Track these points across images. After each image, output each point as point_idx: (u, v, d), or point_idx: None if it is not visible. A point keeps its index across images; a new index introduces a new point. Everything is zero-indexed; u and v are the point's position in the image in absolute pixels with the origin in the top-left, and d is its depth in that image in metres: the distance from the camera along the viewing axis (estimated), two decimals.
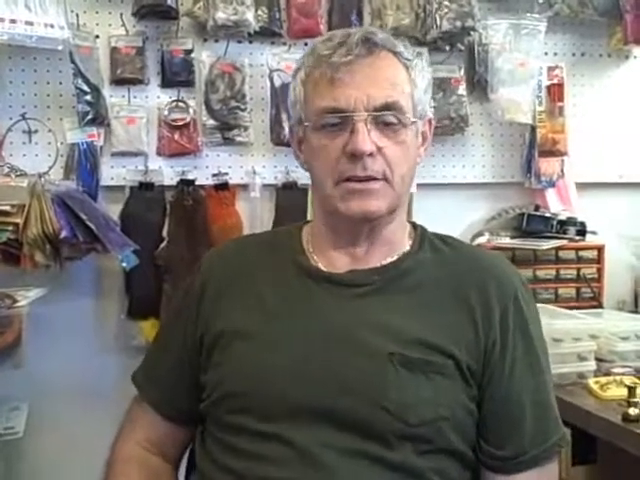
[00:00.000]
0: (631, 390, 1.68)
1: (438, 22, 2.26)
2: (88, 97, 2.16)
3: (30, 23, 1.94)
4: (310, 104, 1.25)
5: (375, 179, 1.22)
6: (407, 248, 1.33)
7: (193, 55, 2.27)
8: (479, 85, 2.46)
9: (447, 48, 2.40)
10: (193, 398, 1.31)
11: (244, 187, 2.35)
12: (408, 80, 1.26)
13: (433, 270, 1.30)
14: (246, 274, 1.34)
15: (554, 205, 2.53)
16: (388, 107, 1.22)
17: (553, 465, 1.28)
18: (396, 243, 1.32)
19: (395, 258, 1.31)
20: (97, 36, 2.22)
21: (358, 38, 1.23)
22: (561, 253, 2.45)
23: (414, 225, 1.38)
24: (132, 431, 1.38)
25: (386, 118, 1.22)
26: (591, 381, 1.87)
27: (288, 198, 2.30)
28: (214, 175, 2.32)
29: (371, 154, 1.20)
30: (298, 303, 1.28)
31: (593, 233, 2.50)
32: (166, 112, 2.27)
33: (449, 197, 2.51)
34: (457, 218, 2.50)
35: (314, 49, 1.27)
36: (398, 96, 1.23)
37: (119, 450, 1.36)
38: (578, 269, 2.46)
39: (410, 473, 1.17)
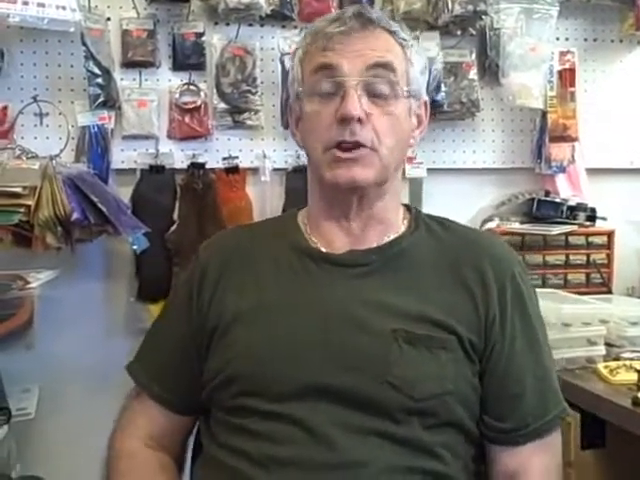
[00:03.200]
0: None
1: (450, 6, 2.24)
2: (99, 80, 2.17)
3: (42, 5, 1.95)
4: (306, 74, 1.28)
5: (362, 146, 1.23)
6: (403, 229, 1.34)
7: (204, 38, 2.27)
8: (490, 70, 2.45)
9: (458, 32, 2.39)
10: (198, 387, 1.31)
11: (254, 171, 2.35)
12: (403, 57, 1.28)
13: (429, 250, 1.32)
14: (244, 260, 1.35)
15: (564, 191, 2.53)
16: (380, 65, 1.24)
17: (555, 436, 1.30)
18: (391, 223, 1.34)
19: (392, 238, 1.32)
20: (108, 19, 2.22)
21: (352, 12, 1.26)
22: (571, 238, 2.45)
23: (408, 207, 1.40)
24: (132, 427, 1.36)
25: (377, 86, 1.24)
26: (600, 366, 1.87)
27: (298, 182, 2.28)
28: (224, 158, 2.32)
29: (360, 120, 1.22)
30: (298, 284, 1.29)
31: (603, 219, 2.50)
32: (177, 95, 2.27)
33: (459, 182, 2.50)
34: (467, 203, 2.50)
35: (311, 30, 1.30)
36: (392, 59, 1.25)
37: (120, 446, 1.35)
38: (588, 255, 2.45)
39: (418, 447, 1.19)
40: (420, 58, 1.32)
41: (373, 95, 1.24)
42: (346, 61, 1.23)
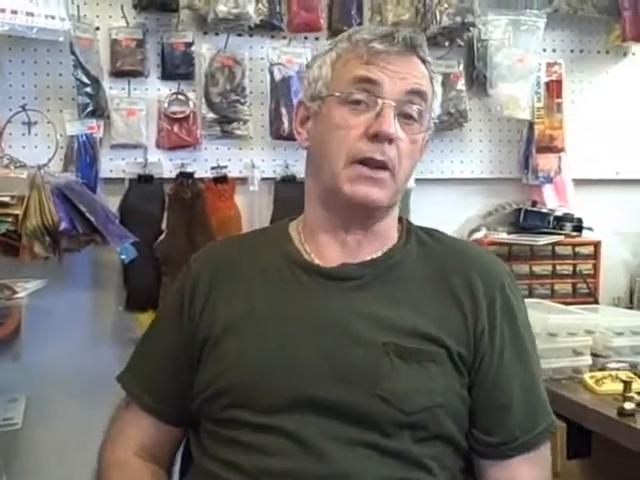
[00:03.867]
0: (626, 385, 1.69)
1: (438, 17, 2.26)
2: (88, 89, 2.17)
3: (31, 14, 1.94)
4: (339, 78, 1.27)
5: (386, 168, 1.23)
6: (394, 241, 1.35)
7: (193, 48, 2.28)
8: (478, 81, 2.47)
9: (446, 44, 2.40)
10: (189, 398, 1.31)
11: (243, 180, 2.35)
12: (431, 89, 1.30)
13: (420, 263, 1.32)
14: (233, 271, 1.35)
15: (551, 201, 2.54)
16: (417, 92, 1.25)
17: (544, 449, 1.29)
18: (387, 239, 1.34)
19: (385, 251, 1.32)
20: (97, 28, 2.22)
21: (406, 35, 1.26)
22: (557, 249, 2.46)
23: (399, 218, 1.40)
24: (123, 438, 1.36)
25: (410, 112, 1.25)
26: (586, 376, 1.88)
27: (287, 192, 2.30)
28: (213, 168, 2.32)
29: (391, 141, 1.22)
30: (290, 295, 1.29)
31: (589, 229, 2.51)
32: (166, 105, 2.28)
33: (447, 192, 2.51)
34: (454, 213, 2.51)
35: (350, 37, 1.29)
36: (426, 88, 1.27)
37: (111, 456, 1.34)
38: (574, 265, 2.47)
39: (408, 460, 1.19)
40: (439, 92, 1.33)
41: (404, 117, 1.25)
42: (388, 79, 1.23)
